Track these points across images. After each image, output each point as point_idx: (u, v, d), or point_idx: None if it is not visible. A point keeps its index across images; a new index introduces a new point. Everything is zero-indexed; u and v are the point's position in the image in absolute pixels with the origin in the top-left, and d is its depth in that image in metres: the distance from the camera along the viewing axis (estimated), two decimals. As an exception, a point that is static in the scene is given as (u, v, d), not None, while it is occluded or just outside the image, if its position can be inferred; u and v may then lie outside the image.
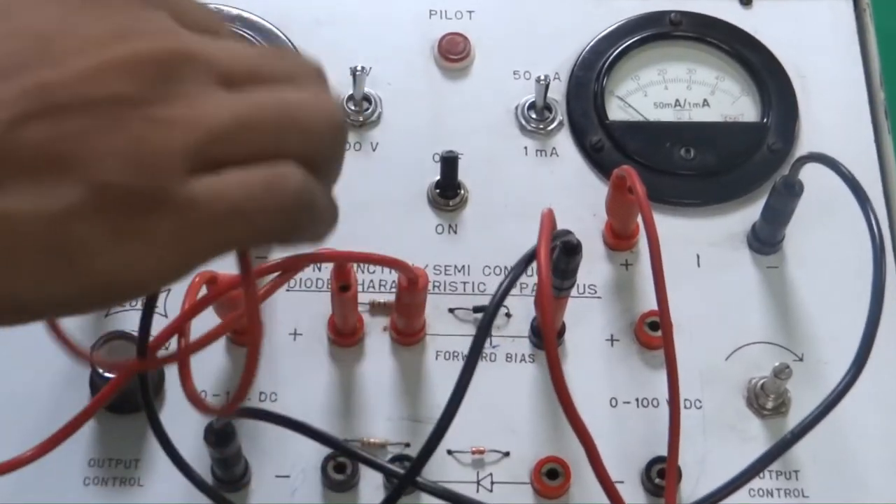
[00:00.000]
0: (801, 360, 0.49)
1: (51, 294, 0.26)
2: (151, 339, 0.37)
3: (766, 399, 0.48)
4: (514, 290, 0.41)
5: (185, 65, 0.27)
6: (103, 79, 0.26)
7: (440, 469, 0.46)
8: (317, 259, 0.42)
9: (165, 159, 0.26)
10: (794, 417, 0.48)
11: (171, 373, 0.47)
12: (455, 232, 0.52)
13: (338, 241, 0.50)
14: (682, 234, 0.52)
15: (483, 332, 0.39)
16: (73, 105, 0.25)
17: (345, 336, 0.49)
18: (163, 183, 0.26)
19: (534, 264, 0.39)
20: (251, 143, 0.27)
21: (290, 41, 0.57)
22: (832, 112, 0.56)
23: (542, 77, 0.54)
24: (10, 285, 0.25)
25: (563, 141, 0.55)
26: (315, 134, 0.29)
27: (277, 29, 0.57)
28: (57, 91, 0.25)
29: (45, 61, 0.26)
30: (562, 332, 0.50)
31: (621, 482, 0.46)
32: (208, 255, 0.27)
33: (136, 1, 0.28)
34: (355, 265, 0.49)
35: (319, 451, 0.45)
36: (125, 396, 0.47)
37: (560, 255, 0.43)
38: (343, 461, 0.46)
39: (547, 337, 0.38)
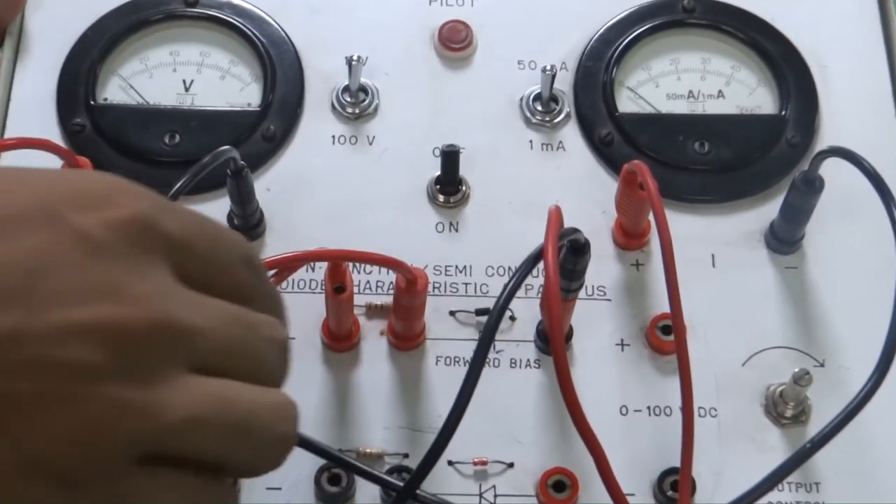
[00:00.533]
0: (821, 365, 0.49)
1: None
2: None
3: (785, 407, 0.47)
4: (519, 292, 0.41)
5: (160, 342, 0.26)
6: (73, 341, 0.25)
7: (441, 481, 0.46)
8: (311, 258, 0.42)
9: (108, 449, 0.25)
10: (815, 426, 0.47)
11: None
12: (456, 230, 0.52)
13: (333, 239, 0.50)
14: (696, 232, 0.52)
15: (487, 337, 0.39)
16: (33, 365, 0.25)
17: (340, 340, 0.49)
18: (99, 470, 0.25)
19: (540, 264, 0.38)
20: (198, 446, 0.27)
21: (283, 30, 0.56)
22: (854, 104, 0.55)
23: (549, 67, 0.53)
24: None
25: (571, 134, 0.54)
26: (263, 451, 0.29)
27: (270, 17, 0.56)
28: (24, 346, 0.25)
29: (22, 305, 0.25)
30: (569, 336, 0.49)
31: (632, 495, 0.46)
32: None
33: (138, 249, 0.27)
34: (351, 265, 0.49)
35: (313, 462, 0.45)
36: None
37: (567, 255, 0.42)
38: (338, 472, 0.45)
39: (555, 340, 0.37)
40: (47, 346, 0.25)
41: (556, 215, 0.39)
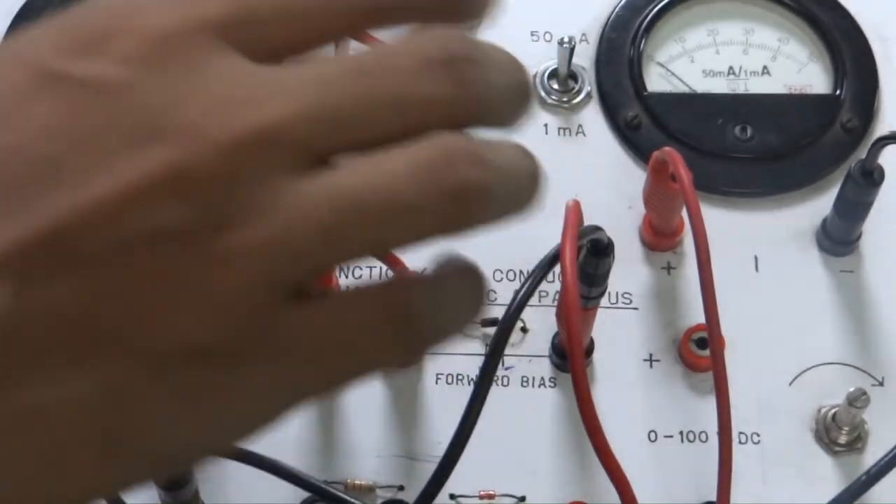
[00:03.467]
0: (881, 384, 0.49)
1: (102, 486, 0.24)
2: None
3: (838, 432, 0.48)
4: (532, 300, 0.41)
5: (252, 156, 0.23)
6: (135, 209, 0.23)
7: (441, 517, 0.46)
8: None
9: (238, 307, 0.23)
10: (873, 454, 0.47)
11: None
12: (459, 228, 0.52)
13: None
14: (736, 230, 0.52)
15: (495, 351, 0.39)
16: (99, 256, 0.23)
17: (325, 355, 0.49)
18: (238, 334, 0.24)
19: (556, 268, 0.39)
20: (347, 253, 0.25)
21: None
22: (920, 82, 0.56)
23: (567, 39, 0.54)
24: (58, 491, 0.24)
25: (592, 117, 0.55)
26: (428, 222, 0.26)
27: None
28: (70, 237, 0.22)
29: (46, 191, 0.23)
30: (590, 350, 0.50)
31: (662, 533, 0.46)
32: (309, 396, 0.25)
33: (169, 57, 0.24)
34: (337, 267, 0.49)
35: (296, 495, 0.45)
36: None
37: (587, 257, 0.43)
38: (323, 507, 0.46)
39: (573, 355, 0.38)
40: (103, 228, 0.23)
41: (574, 212, 0.39)
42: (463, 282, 0.29)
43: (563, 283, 0.38)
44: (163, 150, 0.23)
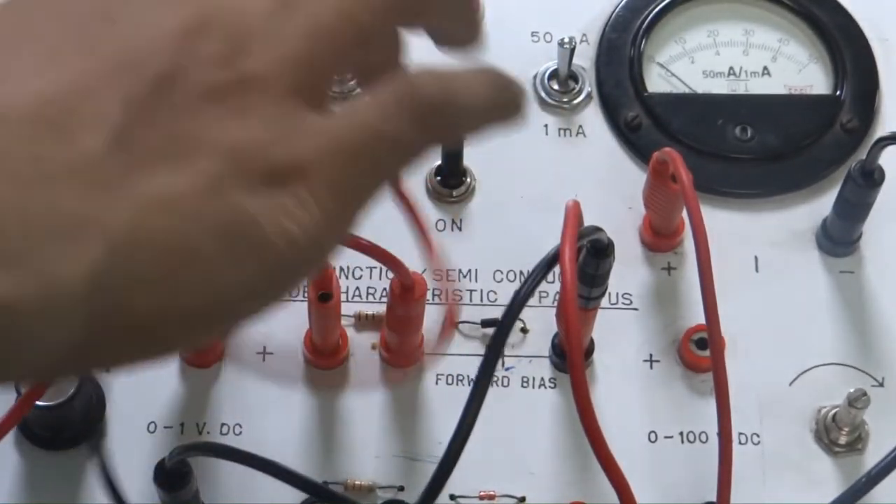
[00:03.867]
0: (881, 385, 0.49)
1: (234, 282, 0.28)
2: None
3: (838, 433, 0.48)
4: (532, 300, 0.42)
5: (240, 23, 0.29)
6: (195, 42, 0.28)
7: (441, 518, 0.47)
8: None
9: (283, 101, 0.29)
10: (873, 455, 0.47)
11: (114, 399, 0.48)
12: (459, 228, 0.52)
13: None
14: (736, 231, 0.52)
15: (494, 352, 0.39)
16: (183, 80, 0.28)
17: (325, 356, 0.49)
18: (289, 133, 0.29)
19: (556, 268, 0.39)
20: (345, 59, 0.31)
21: None
22: (920, 83, 0.56)
23: (567, 40, 0.54)
24: (195, 284, 0.27)
25: (592, 117, 0.55)
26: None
27: None
28: (151, 66, 0.27)
29: (113, 36, 0.28)
30: (590, 351, 0.50)
31: (662, 534, 0.46)
32: (367, 192, 0.31)
33: None
34: (338, 269, 0.49)
35: (294, 496, 0.45)
36: (59, 428, 0.47)
37: (588, 258, 0.43)
38: (323, 507, 0.46)
39: (572, 356, 0.38)
40: (159, 57, 0.28)
41: (574, 212, 0.39)
42: (481, 73, 0.33)
43: (563, 283, 0.38)
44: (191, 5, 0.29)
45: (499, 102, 0.34)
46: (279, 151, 0.29)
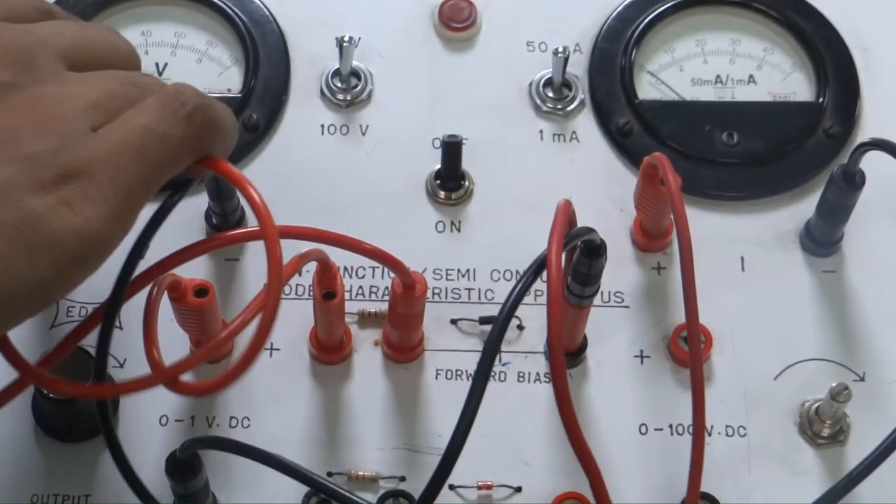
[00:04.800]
0: (861, 380, 0.50)
1: (26, 276, 0.31)
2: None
3: (821, 425, 0.48)
4: (528, 299, 0.42)
5: (35, 53, 0.37)
6: None
7: (441, 507, 0.47)
8: (294, 234, 0.42)
9: (70, 121, 0.35)
10: (854, 446, 0.48)
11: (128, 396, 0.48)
12: (458, 230, 0.53)
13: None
14: (723, 232, 0.53)
15: (492, 349, 0.39)
16: None
17: (329, 351, 0.49)
18: (76, 142, 0.34)
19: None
20: (130, 96, 0.38)
21: (266, 7, 0.57)
22: (899, 90, 0.56)
23: (561, 49, 0.54)
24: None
25: (585, 123, 0.55)
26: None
27: (251, -8, 0.57)
28: None
29: None
30: (583, 347, 0.50)
31: (651, 522, 0.47)
32: (146, 186, 0.36)
33: None
34: (342, 268, 0.50)
35: (299, 487, 0.45)
36: (74, 422, 0.47)
37: (581, 258, 0.43)
38: (326, 501, 0.46)
39: (553, 348, 0.38)
40: None
41: (563, 211, 0.40)
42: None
43: (549, 280, 0.38)
44: None
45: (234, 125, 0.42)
46: (67, 155, 0.34)
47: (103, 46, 0.41)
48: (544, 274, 0.40)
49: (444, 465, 0.39)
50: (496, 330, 0.39)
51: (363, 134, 0.55)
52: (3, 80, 0.35)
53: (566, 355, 0.48)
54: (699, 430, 0.42)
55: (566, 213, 0.40)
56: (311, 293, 0.47)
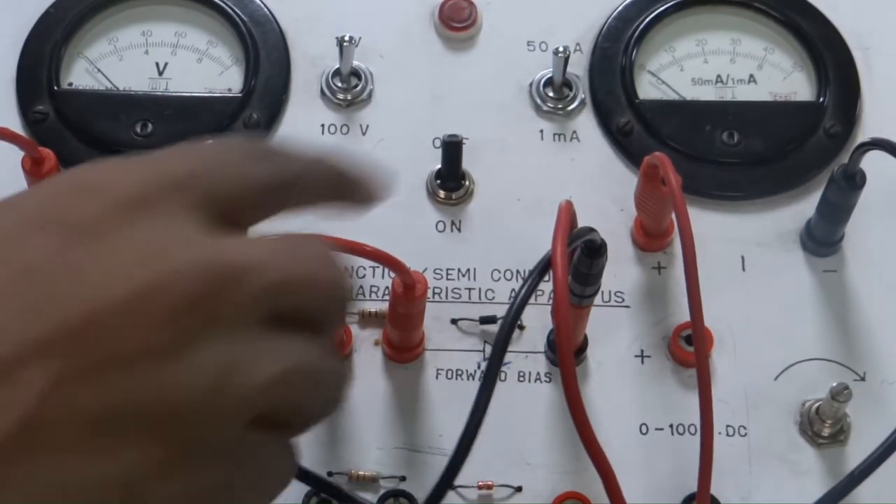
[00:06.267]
0: (862, 379, 0.50)
1: None
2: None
3: (821, 425, 0.48)
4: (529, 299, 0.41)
5: (225, 298, 0.28)
6: (124, 329, 0.26)
7: (441, 507, 0.47)
8: None
9: (218, 421, 0.28)
10: (855, 446, 0.48)
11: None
12: (459, 230, 0.53)
13: (322, 240, 0.51)
14: (724, 232, 0.53)
15: (499, 352, 0.39)
16: (105, 362, 0.26)
17: (330, 351, 0.49)
18: (212, 440, 0.28)
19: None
20: (283, 401, 0.30)
21: (266, 7, 0.57)
22: (900, 90, 0.56)
23: (561, 48, 0.54)
24: None
25: (586, 123, 0.55)
26: (325, 408, 0.32)
27: (251, -8, 0.57)
28: (89, 341, 0.26)
29: (58, 305, 0.26)
30: (583, 347, 0.50)
31: (652, 521, 0.47)
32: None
33: (144, 213, 0.28)
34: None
35: (299, 486, 0.45)
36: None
37: (581, 258, 0.43)
38: (327, 500, 0.46)
39: (562, 351, 0.38)
40: (117, 332, 0.26)
41: (566, 212, 0.40)
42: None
43: (555, 283, 0.38)
44: (148, 275, 0.27)
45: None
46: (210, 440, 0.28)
47: (309, 293, 0.31)
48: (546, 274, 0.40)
49: (450, 470, 0.39)
50: (503, 334, 0.39)
51: (363, 134, 0.55)
52: (157, 342, 0.27)
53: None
54: (707, 431, 0.42)
55: (569, 214, 0.39)
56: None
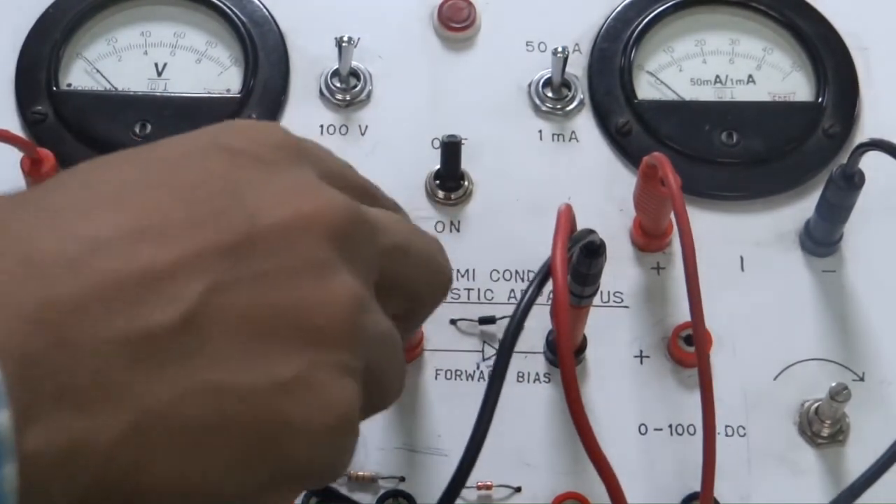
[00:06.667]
0: (861, 379, 0.50)
1: (248, 485, 0.28)
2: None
3: (820, 425, 0.48)
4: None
5: (363, 234, 0.32)
6: (299, 239, 0.29)
7: (440, 507, 0.47)
8: None
9: (359, 314, 0.30)
10: (854, 447, 0.48)
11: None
12: (458, 230, 0.53)
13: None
14: (723, 232, 0.53)
15: (505, 355, 0.39)
16: (266, 273, 0.29)
17: (329, 352, 0.49)
18: (358, 333, 0.30)
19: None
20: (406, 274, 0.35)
21: (265, 8, 0.57)
22: (898, 90, 0.56)
23: (560, 49, 0.54)
24: (204, 470, 0.27)
25: (585, 123, 0.55)
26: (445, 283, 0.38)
27: (250, -8, 0.57)
28: (251, 254, 0.29)
29: (238, 217, 0.29)
30: (582, 347, 0.50)
31: (651, 522, 0.47)
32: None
33: (296, 161, 0.32)
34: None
35: (299, 487, 0.46)
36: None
37: (581, 258, 0.43)
38: (325, 500, 0.46)
39: (562, 351, 0.38)
40: (278, 248, 0.29)
41: (566, 215, 0.39)
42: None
43: (555, 285, 0.38)
44: (316, 204, 0.30)
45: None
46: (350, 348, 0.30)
47: (425, 265, 0.36)
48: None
49: (459, 475, 0.39)
50: (508, 338, 0.39)
51: (362, 134, 0.55)
52: (320, 256, 0.30)
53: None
54: (709, 431, 0.42)
55: (568, 218, 0.39)
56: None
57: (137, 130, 0.54)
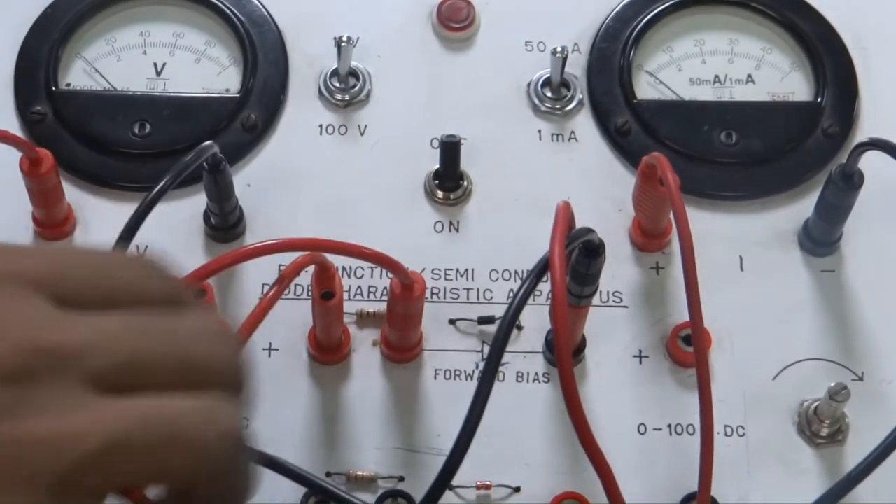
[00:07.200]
0: (860, 379, 0.50)
1: None
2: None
3: (819, 425, 0.48)
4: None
5: (42, 369, 0.27)
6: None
7: (439, 507, 0.47)
8: (291, 247, 0.43)
9: (24, 491, 0.26)
10: (853, 446, 0.48)
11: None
12: (457, 230, 0.53)
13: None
14: (722, 232, 0.53)
15: (497, 352, 0.39)
16: None
17: (328, 352, 0.49)
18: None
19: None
20: (127, 471, 0.28)
21: (264, 8, 0.57)
22: (897, 90, 0.56)
23: (559, 49, 0.54)
24: None
25: (584, 123, 0.55)
26: (203, 460, 0.29)
27: (249, -8, 0.57)
28: None
29: None
30: (581, 347, 0.50)
31: (650, 522, 0.47)
32: None
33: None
34: (340, 268, 0.49)
35: (297, 487, 0.45)
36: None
37: (580, 258, 0.43)
38: (325, 500, 0.46)
39: (560, 351, 0.38)
40: None
41: (564, 213, 0.39)
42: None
43: (553, 284, 0.38)
44: None
45: None
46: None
47: (175, 366, 0.30)
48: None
49: (446, 471, 0.39)
50: (500, 335, 0.39)
51: (361, 134, 0.55)
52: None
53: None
54: (708, 431, 0.42)
55: (566, 215, 0.39)
56: (310, 293, 0.47)
57: (136, 130, 0.54)
